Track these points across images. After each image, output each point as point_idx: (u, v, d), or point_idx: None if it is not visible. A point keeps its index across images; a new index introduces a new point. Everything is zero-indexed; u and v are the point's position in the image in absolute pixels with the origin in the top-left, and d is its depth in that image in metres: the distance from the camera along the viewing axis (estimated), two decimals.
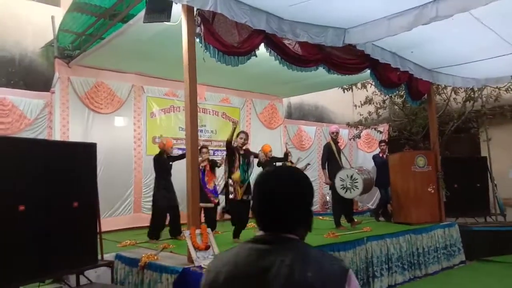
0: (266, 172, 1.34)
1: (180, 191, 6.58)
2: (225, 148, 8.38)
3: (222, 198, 7.21)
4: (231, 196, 5.59)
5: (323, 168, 7.11)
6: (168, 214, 6.35)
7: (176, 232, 6.23)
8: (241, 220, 5.68)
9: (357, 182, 6.56)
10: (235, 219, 5.73)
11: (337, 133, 7.30)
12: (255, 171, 6.12)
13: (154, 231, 6.16)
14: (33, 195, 3.69)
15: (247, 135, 5.89)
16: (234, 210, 5.71)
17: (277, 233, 1.24)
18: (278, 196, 1.25)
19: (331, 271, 1.17)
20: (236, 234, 5.66)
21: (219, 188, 7.08)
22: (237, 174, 5.56)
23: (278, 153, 9.11)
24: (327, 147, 7.15)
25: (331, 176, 6.86)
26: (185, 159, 4.52)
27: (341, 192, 6.65)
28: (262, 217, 1.28)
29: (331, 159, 7.02)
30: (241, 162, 5.64)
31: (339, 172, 6.76)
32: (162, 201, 6.21)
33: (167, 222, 6.41)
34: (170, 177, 6.43)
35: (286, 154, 7.97)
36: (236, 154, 5.68)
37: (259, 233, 1.27)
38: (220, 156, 8.27)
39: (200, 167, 6.65)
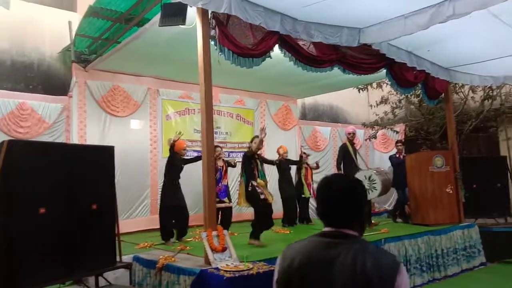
0: (327, 179, 1.59)
1: (195, 194, 6.64)
2: (240, 150, 8.48)
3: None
4: (262, 197, 5.54)
5: (338, 169, 7.07)
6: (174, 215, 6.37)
7: (181, 234, 6.26)
8: (268, 222, 5.68)
9: (375, 183, 6.50)
10: (262, 220, 5.66)
11: (354, 134, 7.25)
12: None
13: (165, 232, 6.19)
14: (53, 198, 3.75)
15: (261, 139, 5.86)
16: (264, 212, 5.63)
17: (338, 228, 1.50)
18: (338, 199, 1.52)
19: (386, 263, 1.39)
20: (256, 235, 5.59)
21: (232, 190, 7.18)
22: (261, 182, 5.63)
23: (293, 154, 9.10)
24: (343, 148, 7.11)
25: None
26: (200, 161, 4.56)
27: None
28: (326, 216, 1.55)
29: (348, 160, 6.98)
30: (259, 168, 5.73)
31: (356, 173, 6.70)
32: (169, 201, 6.23)
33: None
34: (179, 179, 6.44)
35: (301, 157, 7.96)
36: (253, 160, 5.70)
37: (326, 228, 1.53)
38: (236, 158, 8.30)
39: (219, 167, 6.72)
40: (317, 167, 8.68)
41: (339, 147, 7.42)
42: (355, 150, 7.15)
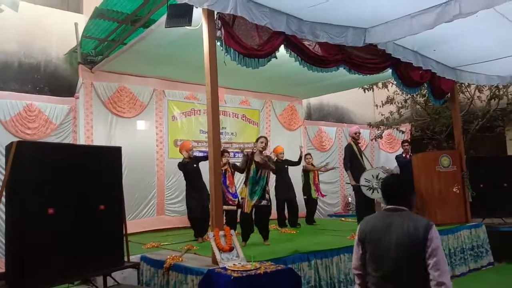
0: (387, 176, 2.86)
1: None
2: (247, 149, 8.44)
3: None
4: (241, 202, 5.71)
5: (347, 169, 7.03)
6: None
7: (202, 233, 6.29)
8: (247, 228, 5.63)
9: None
10: (242, 227, 5.68)
11: (358, 133, 7.22)
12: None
13: (197, 231, 6.34)
14: (62, 199, 3.77)
15: (267, 139, 5.78)
16: (241, 219, 5.70)
17: (395, 206, 2.43)
18: (393, 187, 2.50)
19: (422, 223, 2.28)
20: (243, 238, 5.59)
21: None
22: (244, 191, 5.55)
23: (298, 154, 9.09)
24: (349, 148, 7.09)
25: (354, 177, 6.79)
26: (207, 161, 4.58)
27: (368, 193, 6.56)
28: (387, 198, 2.49)
29: (353, 160, 6.96)
30: (252, 174, 5.48)
31: (363, 173, 6.69)
32: (192, 201, 6.34)
33: None
34: (200, 179, 6.49)
35: (301, 158, 7.93)
36: (249, 165, 5.53)
37: (388, 206, 2.46)
38: (240, 158, 8.31)
39: (222, 170, 6.70)
40: (327, 169, 8.68)
41: (345, 147, 7.40)
42: (360, 150, 7.13)
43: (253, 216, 5.60)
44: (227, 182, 6.72)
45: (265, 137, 5.82)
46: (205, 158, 6.57)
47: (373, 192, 6.55)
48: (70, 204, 3.86)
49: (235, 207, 6.61)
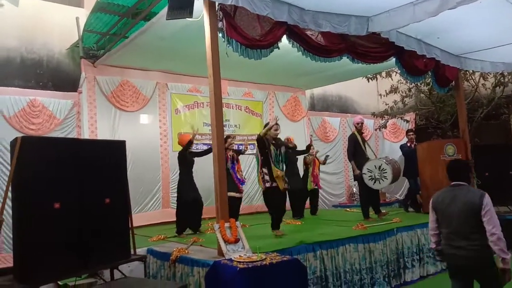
0: (452, 160, 3.60)
1: (205, 187, 6.67)
2: (249, 142, 8.45)
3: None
4: (267, 185, 5.37)
5: (350, 160, 7.01)
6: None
7: (197, 226, 6.31)
8: (280, 210, 5.57)
9: (386, 172, 6.45)
10: (275, 208, 5.54)
11: (362, 123, 7.19)
12: None
13: (181, 226, 6.22)
14: (68, 193, 3.78)
15: (279, 125, 5.68)
16: (274, 199, 5.47)
17: (457, 182, 3.35)
18: (456, 169, 3.43)
19: (477, 192, 3.24)
20: (275, 226, 5.52)
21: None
22: (277, 171, 5.36)
23: (302, 145, 9.08)
24: (352, 138, 7.06)
25: (358, 167, 6.77)
26: (210, 154, 4.58)
27: (370, 183, 6.55)
28: (452, 177, 3.40)
29: (357, 150, 6.93)
30: (275, 153, 5.44)
31: (366, 163, 6.67)
32: (186, 196, 6.27)
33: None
34: (191, 173, 6.46)
35: (309, 146, 7.93)
36: (268, 146, 5.44)
37: (452, 182, 3.37)
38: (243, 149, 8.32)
39: (229, 156, 6.72)
40: (324, 162, 8.64)
41: (348, 137, 7.38)
42: (363, 140, 7.10)
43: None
44: (236, 168, 6.76)
45: (278, 124, 5.65)
46: (204, 153, 6.58)
47: (375, 182, 6.53)
48: (76, 198, 3.87)
49: (241, 195, 6.65)
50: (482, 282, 3.26)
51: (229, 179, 5.84)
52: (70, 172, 3.86)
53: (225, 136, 7.16)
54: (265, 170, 5.41)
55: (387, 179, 6.46)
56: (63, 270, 3.70)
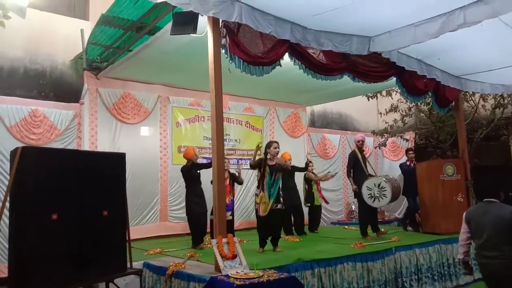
0: (482, 180, 4.70)
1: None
2: (249, 157, 8.44)
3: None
4: (256, 207, 5.64)
5: (349, 176, 7.05)
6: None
7: (200, 240, 6.28)
8: (262, 232, 5.71)
9: (385, 190, 6.45)
10: (258, 231, 5.76)
11: (363, 141, 7.22)
12: None
13: (197, 238, 6.29)
14: (65, 204, 3.78)
15: (279, 144, 5.80)
16: (258, 222, 5.73)
17: (489, 199, 3.76)
18: (489, 187, 3.86)
19: (508, 209, 3.60)
20: (260, 244, 5.65)
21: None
22: (261, 196, 5.54)
23: (302, 161, 9.09)
24: (353, 156, 7.09)
25: (357, 185, 6.78)
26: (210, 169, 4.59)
27: (369, 201, 6.55)
28: (484, 194, 3.84)
29: (357, 167, 6.95)
30: (267, 178, 5.54)
31: (366, 181, 6.67)
32: (195, 207, 6.30)
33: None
34: (200, 184, 6.51)
35: (307, 164, 7.92)
36: (263, 170, 5.58)
37: (485, 199, 3.79)
38: (244, 165, 8.32)
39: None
40: (327, 179, 8.64)
41: (349, 155, 7.40)
42: (364, 158, 7.12)
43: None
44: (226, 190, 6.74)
45: (277, 142, 5.81)
46: (206, 166, 6.57)
47: (374, 200, 6.52)
48: (74, 209, 3.86)
49: (230, 217, 6.63)
50: None
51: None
52: (69, 183, 3.86)
53: None
54: (257, 192, 5.64)
55: (386, 197, 6.45)
56: (58, 282, 3.66)
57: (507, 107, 9.40)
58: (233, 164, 8.56)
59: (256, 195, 5.63)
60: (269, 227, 5.66)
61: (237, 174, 7.15)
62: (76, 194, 3.91)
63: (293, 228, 7.58)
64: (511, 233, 3.52)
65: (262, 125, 9.82)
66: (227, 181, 6.74)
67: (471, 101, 9.69)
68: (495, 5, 4.13)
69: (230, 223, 6.69)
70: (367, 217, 6.84)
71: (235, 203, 7.75)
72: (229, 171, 6.90)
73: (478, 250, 3.75)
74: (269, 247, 5.68)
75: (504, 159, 10.39)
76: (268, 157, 5.59)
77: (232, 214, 6.96)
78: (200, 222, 6.33)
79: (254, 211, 5.82)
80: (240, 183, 7.28)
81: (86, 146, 7.20)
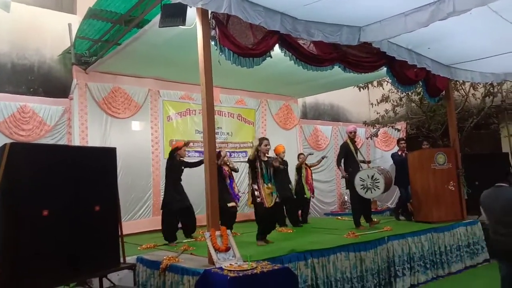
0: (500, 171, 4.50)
1: (199, 194, 6.64)
2: (241, 150, 8.45)
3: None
4: (258, 200, 5.49)
5: (338, 166, 7.12)
6: (180, 216, 6.38)
7: (191, 231, 6.26)
8: (267, 224, 5.66)
9: (378, 182, 6.49)
10: (261, 223, 5.65)
11: (355, 132, 7.24)
12: None
13: (169, 234, 6.14)
14: (56, 200, 3.74)
15: (269, 140, 5.76)
16: (261, 215, 5.60)
17: (500, 184, 4.08)
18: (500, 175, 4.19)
19: None
20: (259, 237, 5.58)
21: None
22: (266, 189, 5.49)
23: (294, 153, 9.11)
24: (345, 146, 7.12)
25: (350, 176, 6.82)
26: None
27: (362, 192, 6.58)
28: (496, 180, 4.12)
29: (349, 158, 6.98)
30: (264, 172, 5.54)
31: (359, 172, 6.70)
32: (172, 204, 6.20)
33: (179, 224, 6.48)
34: (180, 181, 6.41)
35: (299, 156, 7.99)
36: (258, 164, 5.55)
37: (497, 184, 4.08)
38: (236, 158, 8.33)
39: (226, 172, 6.82)
40: (319, 161, 8.69)
41: (341, 146, 7.43)
42: (356, 149, 7.14)
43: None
44: (233, 184, 6.89)
45: (268, 139, 5.76)
46: (196, 164, 6.53)
47: (366, 191, 6.56)
48: (65, 205, 3.83)
49: (235, 205, 6.74)
50: None
51: (228, 194, 6.52)
52: (59, 179, 3.82)
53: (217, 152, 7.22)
54: (255, 187, 5.53)
55: (379, 188, 6.49)
56: (50, 279, 3.64)
57: (496, 95, 9.47)
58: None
59: (255, 189, 5.52)
60: (273, 219, 5.68)
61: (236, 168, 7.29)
62: (67, 189, 3.87)
63: (286, 219, 7.60)
64: None
65: (254, 117, 9.80)
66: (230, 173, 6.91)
67: (462, 90, 9.75)
68: None
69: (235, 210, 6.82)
70: (360, 207, 6.88)
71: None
72: (228, 165, 6.97)
73: (491, 228, 4.17)
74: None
75: (495, 147, 10.49)
76: (259, 154, 5.57)
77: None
78: (172, 219, 6.21)
79: (249, 204, 5.81)
80: (236, 170, 7.33)
81: (77, 142, 7.13)
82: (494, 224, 4.11)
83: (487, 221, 4.31)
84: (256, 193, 5.51)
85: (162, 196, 7.93)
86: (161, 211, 6.51)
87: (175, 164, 6.37)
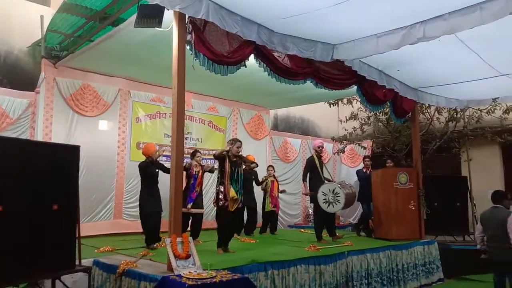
0: (496, 191, 5.32)
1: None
2: (210, 157, 8.36)
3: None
4: (220, 203, 5.41)
5: (304, 180, 7.10)
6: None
7: (154, 240, 6.11)
8: (229, 230, 5.61)
9: (339, 196, 6.56)
10: (223, 228, 5.57)
11: (322, 147, 7.32)
12: None
13: (150, 237, 6.01)
14: (12, 196, 3.60)
15: (242, 144, 5.73)
16: (224, 219, 5.52)
17: (496, 205, 5.13)
18: (496, 195, 5.25)
19: (506, 213, 4.95)
20: (221, 244, 5.54)
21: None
22: (232, 192, 5.40)
23: (263, 163, 9.14)
24: (310, 161, 7.16)
25: (313, 190, 6.87)
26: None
27: (324, 206, 6.64)
28: (494, 200, 5.18)
29: (314, 173, 7.03)
30: (230, 171, 5.46)
31: (321, 186, 6.77)
32: (148, 207, 6.05)
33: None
34: (156, 184, 6.25)
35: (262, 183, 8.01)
36: (226, 164, 5.48)
37: (493, 205, 5.17)
38: (205, 164, 8.25)
39: (194, 172, 6.64)
40: (281, 192, 8.69)
41: (307, 160, 7.50)
42: (321, 164, 7.20)
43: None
44: (196, 183, 6.64)
45: (241, 142, 5.73)
46: (166, 168, 6.38)
47: (328, 205, 6.62)
48: (21, 202, 3.70)
49: (201, 211, 6.62)
50: (509, 272, 4.95)
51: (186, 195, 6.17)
52: (18, 174, 3.69)
53: (193, 151, 7.10)
54: (221, 188, 5.44)
55: (340, 202, 6.55)
56: None
57: (459, 121, 9.86)
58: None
59: (220, 191, 5.42)
60: (235, 224, 5.63)
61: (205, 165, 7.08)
62: (24, 185, 3.74)
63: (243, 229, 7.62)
64: (506, 231, 4.73)
65: (225, 125, 9.79)
66: (200, 174, 6.74)
67: (427, 113, 10.09)
68: (452, 22, 4.33)
69: (201, 216, 6.69)
70: (322, 221, 6.96)
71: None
72: (200, 164, 6.86)
73: (487, 242, 5.12)
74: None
75: (455, 171, 10.90)
76: (229, 154, 5.52)
77: (202, 205, 6.80)
78: (153, 222, 6.06)
79: (213, 211, 5.70)
80: (212, 171, 7.05)
81: (40, 137, 6.88)
82: (489, 239, 5.07)
83: (484, 235, 5.22)
84: (221, 195, 5.42)
85: (125, 199, 7.86)
86: (139, 215, 6.30)
87: (145, 166, 6.22)
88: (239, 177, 5.56)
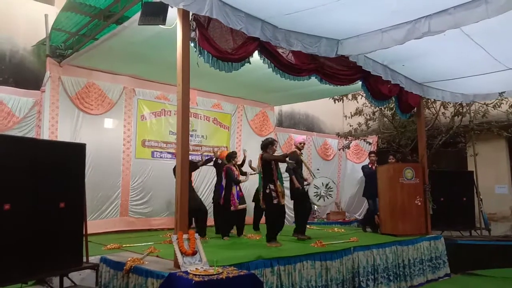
0: None
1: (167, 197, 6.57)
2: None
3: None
4: (275, 201, 5.75)
5: (291, 175, 6.87)
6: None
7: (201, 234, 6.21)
8: (281, 224, 5.97)
9: (332, 190, 6.73)
10: (276, 223, 5.90)
11: (303, 144, 7.19)
12: None
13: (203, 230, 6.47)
14: (20, 194, 3.63)
15: (277, 142, 6.20)
16: (276, 213, 5.87)
17: None
18: None
19: None
20: (272, 238, 5.83)
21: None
22: (280, 187, 5.85)
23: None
24: (296, 155, 6.92)
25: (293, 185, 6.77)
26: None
27: (314, 199, 6.70)
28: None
29: (297, 167, 6.93)
30: (278, 171, 5.95)
31: (314, 180, 6.80)
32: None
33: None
34: (191, 182, 6.53)
35: (243, 161, 7.92)
36: (273, 164, 5.88)
37: None
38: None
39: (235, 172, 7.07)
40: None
41: (292, 154, 7.23)
42: (301, 160, 7.05)
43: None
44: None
45: (277, 140, 6.26)
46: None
47: (319, 199, 6.69)
48: (29, 200, 3.72)
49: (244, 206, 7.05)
50: None
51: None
52: (25, 172, 3.72)
53: (232, 151, 7.57)
54: (272, 187, 5.80)
55: (331, 197, 6.77)
56: (7, 275, 3.51)
57: (465, 115, 9.80)
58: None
59: (272, 189, 5.77)
60: (284, 217, 6.00)
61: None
62: (32, 184, 3.76)
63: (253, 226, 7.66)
64: None
65: (230, 122, 9.79)
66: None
67: (432, 108, 10.04)
68: (457, 16, 4.30)
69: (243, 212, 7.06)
70: (301, 217, 6.86)
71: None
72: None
73: None
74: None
75: (461, 165, 10.84)
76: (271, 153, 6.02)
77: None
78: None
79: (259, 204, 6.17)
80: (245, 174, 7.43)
81: (46, 136, 6.93)
82: None
83: None
84: (273, 194, 5.78)
85: (131, 196, 7.89)
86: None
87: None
88: (281, 174, 6.03)
